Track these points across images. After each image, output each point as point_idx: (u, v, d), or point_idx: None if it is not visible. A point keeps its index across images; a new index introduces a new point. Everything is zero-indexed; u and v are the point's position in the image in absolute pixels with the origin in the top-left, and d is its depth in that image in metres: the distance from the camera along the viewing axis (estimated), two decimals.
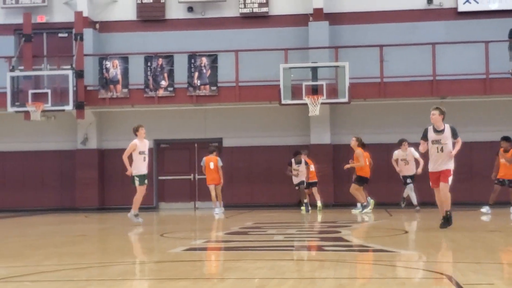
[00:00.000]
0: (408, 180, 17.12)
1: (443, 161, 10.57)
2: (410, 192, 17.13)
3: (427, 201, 15.53)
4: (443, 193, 10.53)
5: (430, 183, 10.85)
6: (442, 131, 10.62)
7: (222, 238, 11.08)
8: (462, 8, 21.34)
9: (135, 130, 13.64)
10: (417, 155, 16.61)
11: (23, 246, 9.80)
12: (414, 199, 17.08)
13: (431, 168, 10.76)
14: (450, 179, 10.58)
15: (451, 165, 10.65)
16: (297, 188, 17.85)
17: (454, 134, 10.66)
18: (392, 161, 17.37)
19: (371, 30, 21.44)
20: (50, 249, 9.24)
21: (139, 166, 13.52)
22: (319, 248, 8.80)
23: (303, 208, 17.54)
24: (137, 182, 13.52)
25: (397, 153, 17.31)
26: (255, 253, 8.18)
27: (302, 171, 17.69)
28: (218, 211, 17.63)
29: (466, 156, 17.46)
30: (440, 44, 20.18)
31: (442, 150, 10.54)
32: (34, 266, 7.19)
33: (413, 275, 6.07)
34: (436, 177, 10.65)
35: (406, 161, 17.11)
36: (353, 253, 8.31)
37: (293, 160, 17.80)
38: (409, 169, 17.08)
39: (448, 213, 10.59)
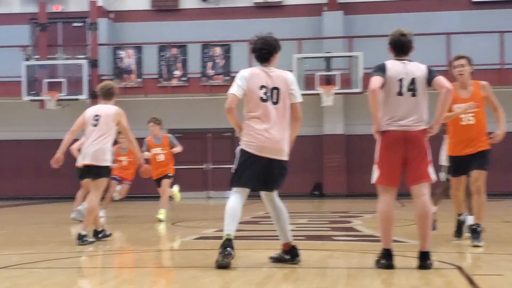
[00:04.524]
0: None
1: None
2: None
3: None
4: None
5: None
6: None
7: None
8: None
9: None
10: None
11: (37, 233, 9.91)
12: None
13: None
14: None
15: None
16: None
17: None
18: None
19: (385, 20, 21.28)
20: (65, 237, 9.33)
21: None
22: (329, 238, 8.82)
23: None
24: None
25: None
26: (265, 243, 8.21)
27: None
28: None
29: None
30: (455, 34, 20.04)
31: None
32: (47, 253, 7.27)
33: None
34: None
35: None
36: (363, 243, 8.32)
37: None
38: None
39: None
